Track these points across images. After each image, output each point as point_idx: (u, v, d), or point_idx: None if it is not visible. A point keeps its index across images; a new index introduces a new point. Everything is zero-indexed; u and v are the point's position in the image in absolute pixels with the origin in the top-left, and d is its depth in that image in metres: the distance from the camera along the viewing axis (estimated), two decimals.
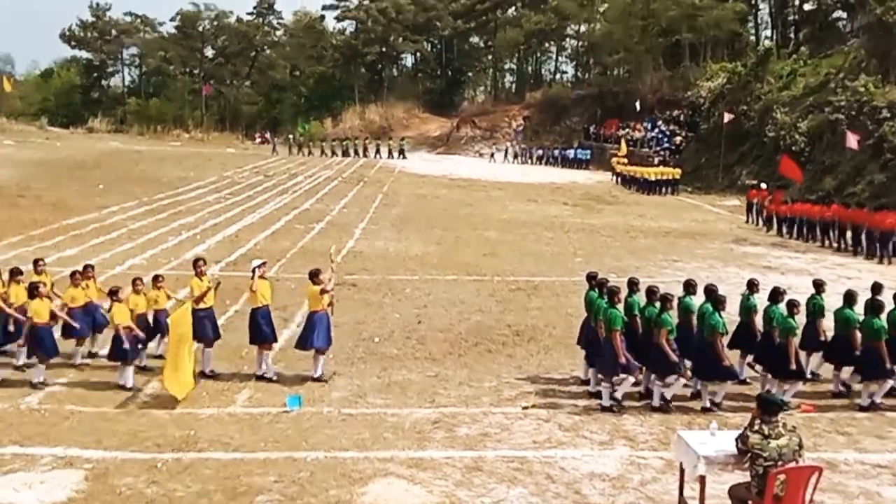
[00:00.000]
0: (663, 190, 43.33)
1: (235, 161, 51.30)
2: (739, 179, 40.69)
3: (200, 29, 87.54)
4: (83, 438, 9.75)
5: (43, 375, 11.72)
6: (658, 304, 11.34)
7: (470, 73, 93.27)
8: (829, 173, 34.81)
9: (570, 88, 74.65)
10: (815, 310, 12.31)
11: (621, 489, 8.79)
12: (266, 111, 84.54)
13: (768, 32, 65.92)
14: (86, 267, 13.42)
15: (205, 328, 12.23)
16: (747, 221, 32.34)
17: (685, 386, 11.60)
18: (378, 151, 60.94)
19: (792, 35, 60.55)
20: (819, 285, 12.60)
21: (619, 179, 48.13)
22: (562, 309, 17.01)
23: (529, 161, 60.71)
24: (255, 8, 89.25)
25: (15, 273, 12.60)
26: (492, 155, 62.26)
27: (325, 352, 12.25)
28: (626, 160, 49.39)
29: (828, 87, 40.03)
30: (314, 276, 12.28)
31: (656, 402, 11.20)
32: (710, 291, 11.80)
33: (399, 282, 18.85)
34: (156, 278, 12.85)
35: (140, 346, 12.12)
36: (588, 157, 58.48)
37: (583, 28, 79.84)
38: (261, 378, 12.08)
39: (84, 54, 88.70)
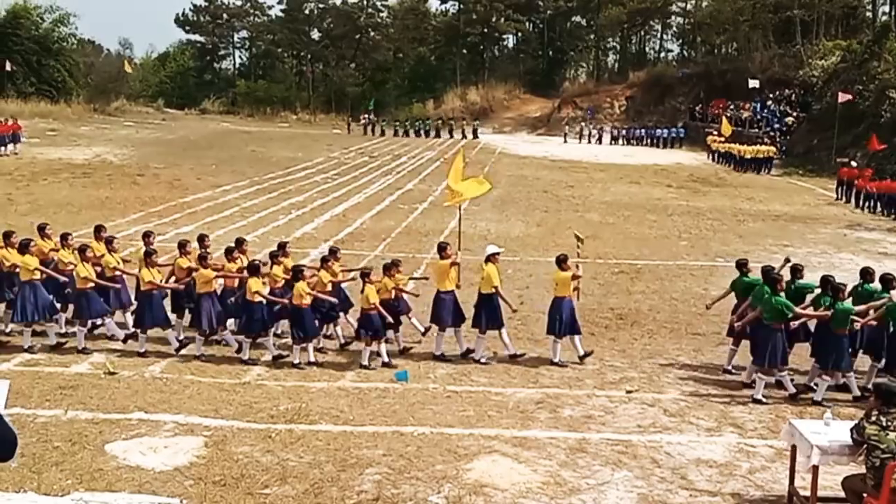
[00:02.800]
0: (759, 168, 43.26)
1: (341, 142, 52.35)
2: (853, 161, 39.06)
3: (307, 12, 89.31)
4: (202, 407, 10.20)
5: (299, 357, 12.01)
6: (831, 294, 10.94)
7: (572, 53, 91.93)
8: None
9: (675, 67, 72.81)
10: None
11: (729, 476, 8.69)
12: (370, 93, 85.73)
13: (886, 8, 62.50)
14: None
15: (446, 310, 12.34)
16: (838, 198, 33.00)
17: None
18: (451, 131, 61.52)
19: None
20: None
21: (716, 157, 47.94)
22: (666, 293, 16.80)
23: (605, 140, 59.65)
24: None
25: (275, 256, 13.05)
26: (564, 136, 61.32)
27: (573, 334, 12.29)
28: (721, 138, 48.70)
29: None
30: (562, 261, 12.28)
31: (819, 396, 10.81)
32: (888, 280, 11.39)
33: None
34: (392, 264, 12.93)
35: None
36: (681, 135, 57.63)
37: (689, 5, 77.69)
38: (514, 356, 12.33)
39: (197, 38, 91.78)
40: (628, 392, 11.14)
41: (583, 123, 63.36)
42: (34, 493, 7.84)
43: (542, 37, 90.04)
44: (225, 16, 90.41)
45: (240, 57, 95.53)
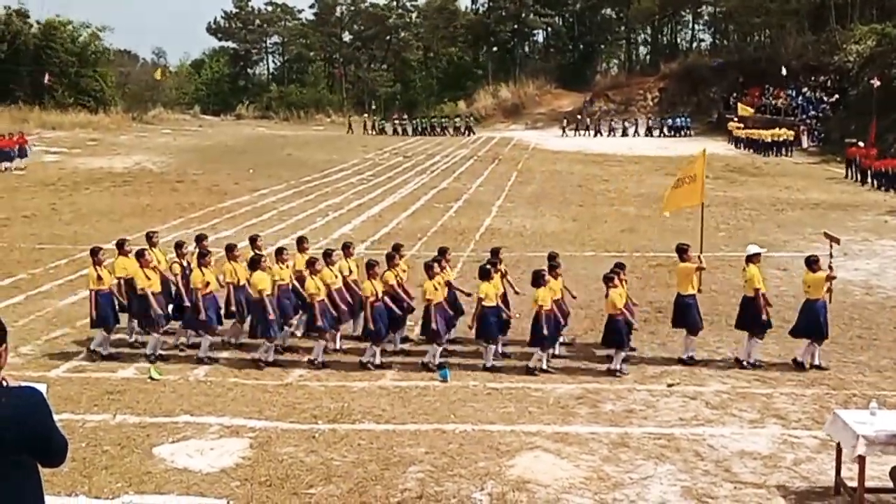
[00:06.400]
0: (779, 151, 44.83)
1: (375, 143, 52.61)
2: (892, 147, 38.33)
3: (338, 14, 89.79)
4: (246, 409, 10.33)
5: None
6: None
7: (602, 46, 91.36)
8: None
9: (708, 57, 72.02)
10: None
11: (774, 468, 8.62)
12: (401, 93, 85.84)
13: None
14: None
15: (693, 314, 12.15)
16: (846, 177, 35.19)
17: None
18: (444, 129, 62.43)
19: None
20: None
21: (737, 143, 49.20)
22: (705, 285, 16.55)
23: (613, 134, 59.60)
24: None
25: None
26: (563, 129, 61.00)
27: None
28: (741, 125, 49.82)
29: None
30: (813, 262, 11.78)
31: None
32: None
33: (537, 259, 18.76)
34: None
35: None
36: (687, 124, 58.83)
37: None
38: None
39: (230, 44, 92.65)
40: (669, 385, 11.10)
41: (579, 116, 63.09)
42: (85, 496, 8.04)
43: (573, 31, 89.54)
44: (256, 22, 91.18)
45: (273, 62, 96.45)
